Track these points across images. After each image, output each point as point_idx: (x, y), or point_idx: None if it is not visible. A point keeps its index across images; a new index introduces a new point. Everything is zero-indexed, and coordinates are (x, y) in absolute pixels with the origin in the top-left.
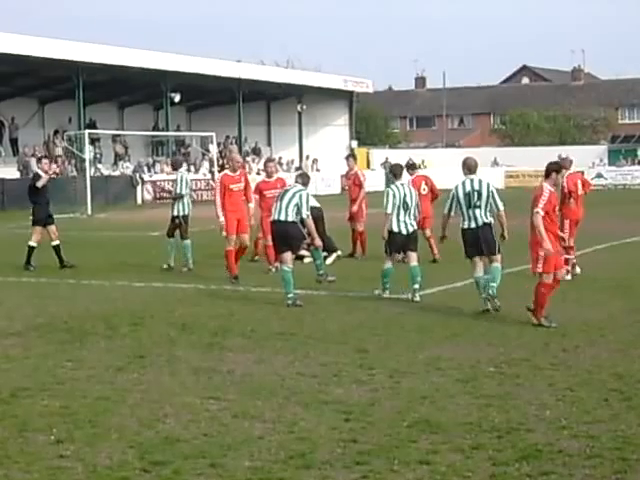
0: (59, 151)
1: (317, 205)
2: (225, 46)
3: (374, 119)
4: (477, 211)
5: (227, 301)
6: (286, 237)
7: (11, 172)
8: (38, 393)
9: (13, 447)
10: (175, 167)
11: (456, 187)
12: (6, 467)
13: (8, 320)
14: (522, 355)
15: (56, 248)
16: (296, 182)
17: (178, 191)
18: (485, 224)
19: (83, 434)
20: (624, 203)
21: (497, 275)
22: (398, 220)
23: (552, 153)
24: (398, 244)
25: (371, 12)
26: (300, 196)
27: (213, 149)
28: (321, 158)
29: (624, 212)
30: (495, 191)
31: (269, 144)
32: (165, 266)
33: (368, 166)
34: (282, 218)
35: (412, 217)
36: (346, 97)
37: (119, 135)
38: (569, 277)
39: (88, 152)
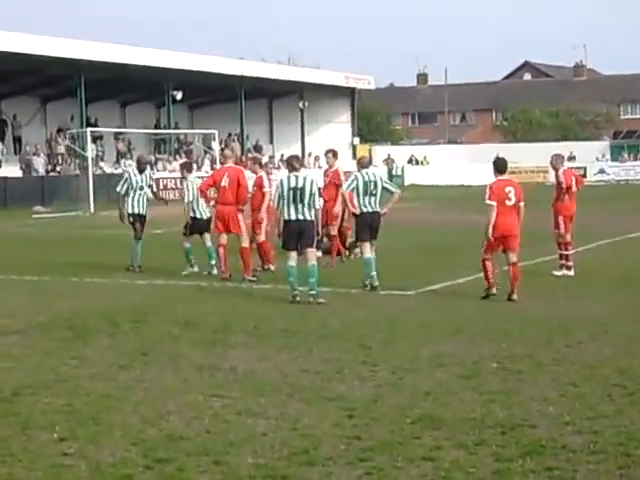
0: (61, 149)
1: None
2: (227, 44)
3: (376, 116)
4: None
5: (229, 298)
6: (300, 235)
7: (14, 171)
8: (41, 391)
9: (16, 445)
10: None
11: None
12: (9, 465)
13: (10, 318)
14: (525, 351)
15: None
16: (292, 168)
17: (119, 189)
18: None
19: (86, 432)
20: (627, 198)
21: None
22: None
23: (554, 149)
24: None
25: (372, 8)
26: (312, 183)
27: (215, 146)
28: (323, 155)
29: (627, 208)
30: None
31: (271, 142)
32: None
33: (370, 163)
34: (300, 217)
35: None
36: (348, 94)
37: (121, 133)
38: (572, 273)
39: (90, 150)
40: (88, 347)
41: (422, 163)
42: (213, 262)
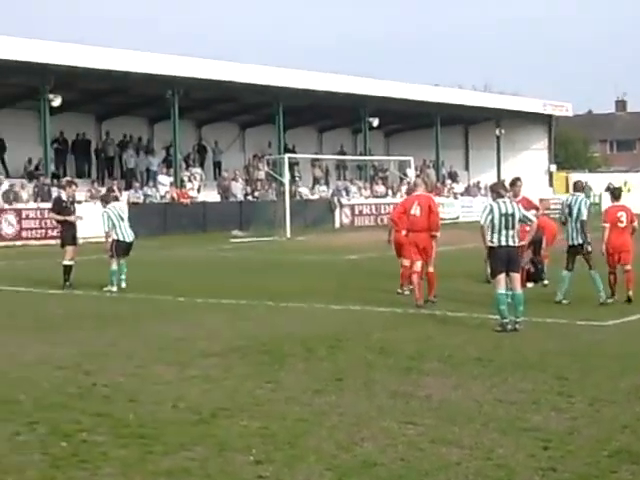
0: (259, 175)
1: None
2: (423, 71)
3: (573, 143)
4: None
5: (424, 325)
6: (508, 260)
7: (212, 195)
8: (237, 413)
9: (213, 467)
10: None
11: None
12: None
13: (209, 341)
14: None
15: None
16: (498, 194)
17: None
18: None
19: (282, 455)
20: None
21: None
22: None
23: None
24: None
25: (570, 36)
26: (519, 210)
27: (411, 173)
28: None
29: None
30: None
31: (466, 168)
32: None
33: (567, 190)
34: (511, 244)
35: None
36: (545, 121)
37: (318, 159)
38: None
39: (287, 176)
40: (284, 371)
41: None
42: (123, 277)
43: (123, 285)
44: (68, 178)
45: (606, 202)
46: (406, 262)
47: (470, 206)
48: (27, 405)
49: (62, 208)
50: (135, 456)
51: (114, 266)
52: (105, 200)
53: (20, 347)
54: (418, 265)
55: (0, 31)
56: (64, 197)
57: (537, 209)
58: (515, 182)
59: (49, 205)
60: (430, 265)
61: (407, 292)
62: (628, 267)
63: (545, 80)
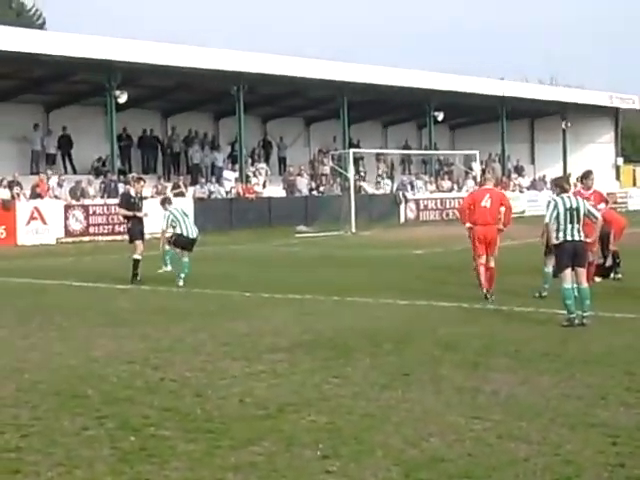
0: (324, 170)
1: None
2: (488, 64)
3: None
4: None
5: (490, 320)
6: (575, 255)
7: (278, 191)
8: (304, 408)
9: (281, 462)
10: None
11: None
12: None
13: (276, 336)
14: None
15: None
16: (562, 189)
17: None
18: None
19: (349, 450)
20: None
21: None
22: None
23: None
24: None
25: (635, 27)
26: (584, 204)
27: (476, 167)
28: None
29: None
30: None
31: (532, 162)
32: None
33: (634, 184)
34: (577, 238)
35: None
36: (611, 113)
37: (382, 154)
38: None
39: (352, 171)
40: (350, 366)
41: None
42: (182, 275)
43: (180, 283)
44: (135, 174)
45: None
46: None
47: (536, 200)
48: (95, 400)
49: (130, 204)
50: (202, 451)
51: (167, 247)
52: (165, 203)
53: (88, 342)
54: (484, 258)
55: (66, 28)
56: (132, 193)
57: (607, 202)
58: (588, 175)
59: (116, 201)
60: (491, 260)
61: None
62: None
63: (612, 72)
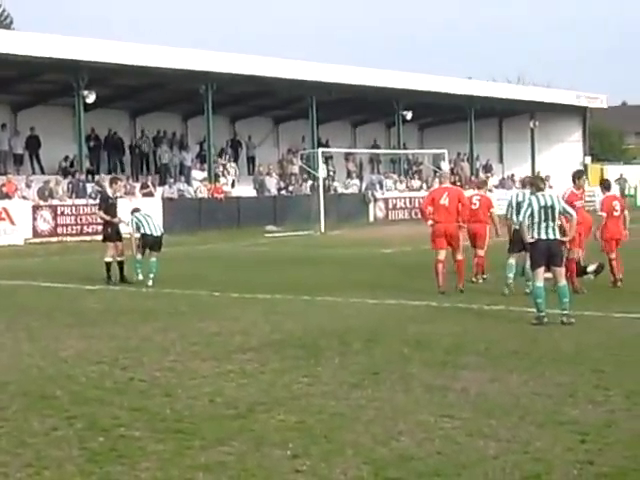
0: (293, 169)
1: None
2: (456, 64)
3: (608, 135)
4: None
5: (460, 319)
6: (549, 254)
7: (247, 190)
8: (274, 408)
9: (251, 461)
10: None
11: None
12: None
13: (245, 336)
14: None
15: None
16: (537, 188)
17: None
18: None
19: (318, 449)
20: None
21: None
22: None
23: None
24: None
25: (603, 26)
26: (560, 202)
27: (445, 166)
28: (554, 175)
29: None
30: None
31: (501, 161)
32: None
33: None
34: (551, 237)
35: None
36: (579, 113)
37: (351, 153)
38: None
39: (321, 170)
40: (320, 365)
41: None
42: (151, 275)
43: (150, 283)
44: (113, 175)
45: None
46: (481, 252)
47: (505, 199)
48: (64, 400)
49: (109, 205)
50: (172, 451)
51: (138, 256)
52: (134, 213)
53: (57, 342)
54: (442, 254)
55: (34, 28)
56: (110, 194)
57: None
58: (581, 175)
59: (84, 201)
60: (458, 254)
61: (480, 280)
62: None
63: (578, 72)
